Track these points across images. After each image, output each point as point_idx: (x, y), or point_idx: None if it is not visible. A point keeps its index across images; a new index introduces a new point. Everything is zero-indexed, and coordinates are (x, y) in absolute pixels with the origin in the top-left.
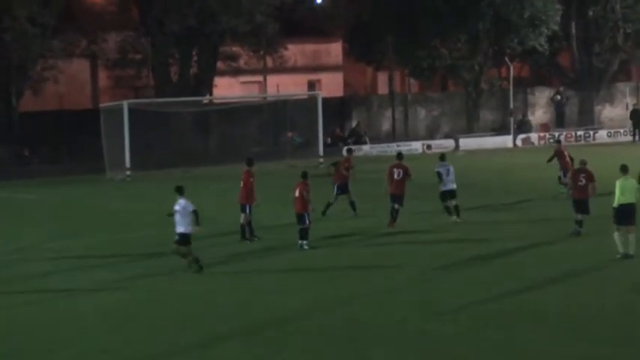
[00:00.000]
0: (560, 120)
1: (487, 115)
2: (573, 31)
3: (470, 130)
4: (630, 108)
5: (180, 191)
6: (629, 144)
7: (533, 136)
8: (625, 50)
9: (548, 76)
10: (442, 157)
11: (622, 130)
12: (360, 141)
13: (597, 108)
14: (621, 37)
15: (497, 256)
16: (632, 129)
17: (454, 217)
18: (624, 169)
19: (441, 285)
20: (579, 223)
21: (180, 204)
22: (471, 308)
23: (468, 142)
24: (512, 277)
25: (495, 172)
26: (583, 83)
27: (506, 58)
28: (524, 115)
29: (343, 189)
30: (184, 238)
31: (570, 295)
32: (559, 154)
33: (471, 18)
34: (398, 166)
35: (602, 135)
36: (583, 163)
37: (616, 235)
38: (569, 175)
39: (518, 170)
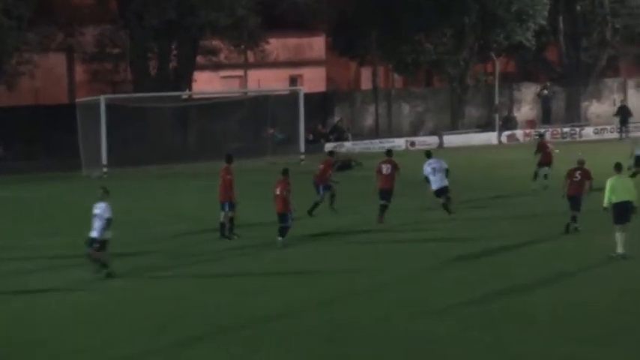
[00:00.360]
0: (546, 116)
1: (472, 112)
2: (561, 25)
3: (454, 127)
4: (618, 104)
5: (104, 194)
6: (616, 141)
7: (519, 133)
8: (613, 46)
9: (535, 72)
10: (428, 154)
11: (609, 127)
12: (342, 137)
13: (584, 104)
14: (610, 32)
15: (483, 254)
16: (619, 126)
17: (452, 214)
18: (618, 168)
19: (428, 284)
20: (574, 219)
21: (101, 207)
22: (458, 308)
23: (452, 139)
24: (499, 277)
25: (480, 170)
26: (570, 79)
27: (492, 53)
28: (510, 111)
29: (328, 187)
30: (99, 243)
31: (558, 295)
32: (542, 147)
33: (455, 12)
34: (387, 162)
35: (588, 132)
36: (581, 162)
37: (617, 235)
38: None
39: (503, 167)
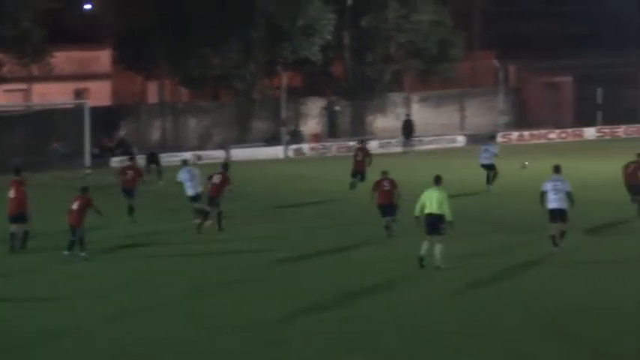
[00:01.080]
0: (332, 130)
1: (259, 125)
2: (346, 40)
3: (241, 141)
4: (403, 118)
5: None
6: (400, 155)
7: (305, 147)
8: (397, 60)
9: (321, 86)
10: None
11: (393, 141)
12: (128, 151)
13: (369, 118)
14: (394, 46)
15: (280, 265)
16: (403, 140)
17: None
18: (437, 180)
19: (217, 299)
20: (387, 227)
21: None
22: (253, 326)
23: (239, 153)
24: (293, 290)
25: (267, 184)
26: (356, 93)
27: (279, 68)
28: (297, 125)
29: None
30: None
31: (345, 312)
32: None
33: (242, 26)
34: (218, 174)
35: (373, 145)
36: (385, 172)
37: (425, 243)
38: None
39: (290, 181)
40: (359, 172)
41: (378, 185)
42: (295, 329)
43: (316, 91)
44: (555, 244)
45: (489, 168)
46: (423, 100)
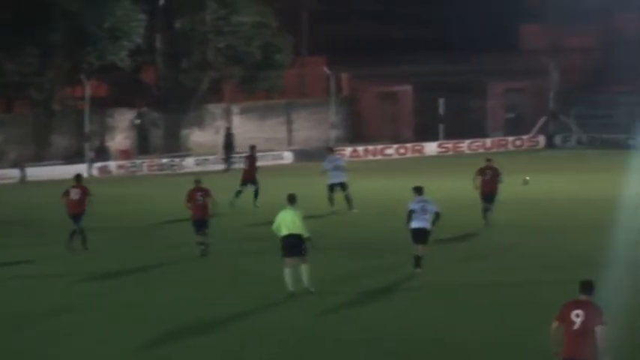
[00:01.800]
0: (143, 146)
1: (60, 141)
2: (158, 44)
3: (39, 158)
4: (223, 132)
5: None
6: (222, 172)
7: (112, 165)
8: (216, 67)
9: (131, 96)
10: None
11: (212, 157)
12: None
13: (185, 132)
14: (212, 52)
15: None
16: (224, 156)
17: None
18: (291, 200)
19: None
20: (203, 243)
21: None
22: None
23: (37, 172)
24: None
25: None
26: (169, 104)
27: (82, 75)
28: (103, 140)
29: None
30: None
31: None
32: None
33: (40, 29)
34: (77, 187)
35: (189, 163)
36: (197, 181)
37: (286, 271)
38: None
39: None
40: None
41: (191, 197)
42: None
43: (125, 102)
44: (418, 266)
45: (343, 188)
46: (245, 111)
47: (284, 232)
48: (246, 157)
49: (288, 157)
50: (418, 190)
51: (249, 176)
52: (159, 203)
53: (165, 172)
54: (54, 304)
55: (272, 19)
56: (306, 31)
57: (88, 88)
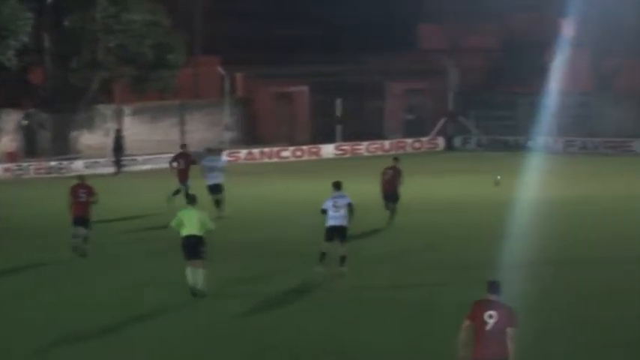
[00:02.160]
0: (30, 148)
1: None
2: (46, 43)
3: None
4: (113, 134)
5: None
6: (112, 175)
7: None
8: (106, 67)
9: (18, 97)
10: None
11: (102, 160)
12: None
13: (74, 134)
14: (102, 51)
15: None
16: (114, 158)
17: None
18: (191, 200)
19: None
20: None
21: None
22: None
23: None
24: None
25: None
26: (58, 105)
27: None
28: None
29: None
30: None
31: None
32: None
33: None
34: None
35: (78, 165)
36: (80, 177)
37: (189, 270)
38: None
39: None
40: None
41: (73, 193)
42: None
43: (12, 103)
44: (322, 261)
45: (218, 190)
46: (136, 112)
47: (186, 232)
48: (180, 155)
49: None
50: (337, 186)
51: (184, 175)
52: (47, 207)
53: (53, 175)
54: None
55: (164, 17)
56: (199, 30)
57: None
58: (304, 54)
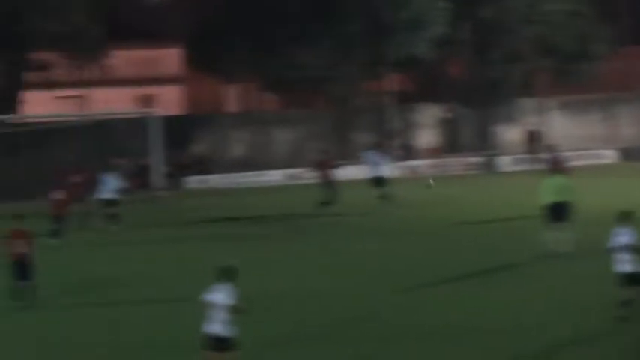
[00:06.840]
0: (452, 143)
1: (359, 139)
2: (463, 35)
3: (340, 157)
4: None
5: None
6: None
7: (419, 164)
8: (526, 59)
9: (435, 90)
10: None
11: (525, 157)
12: (205, 170)
13: (493, 129)
14: (521, 42)
15: None
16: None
17: None
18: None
19: None
20: None
21: None
22: None
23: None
24: None
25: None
26: (476, 98)
27: (383, 69)
28: (407, 138)
29: None
30: None
31: None
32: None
33: (336, 19)
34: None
35: (505, 161)
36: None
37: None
38: None
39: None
40: None
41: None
42: None
43: (428, 97)
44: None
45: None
46: (561, 107)
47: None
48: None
49: (609, 155)
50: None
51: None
52: (472, 205)
53: (474, 172)
54: None
55: (587, 7)
56: (626, 20)
57: (392, 82)
58: None
